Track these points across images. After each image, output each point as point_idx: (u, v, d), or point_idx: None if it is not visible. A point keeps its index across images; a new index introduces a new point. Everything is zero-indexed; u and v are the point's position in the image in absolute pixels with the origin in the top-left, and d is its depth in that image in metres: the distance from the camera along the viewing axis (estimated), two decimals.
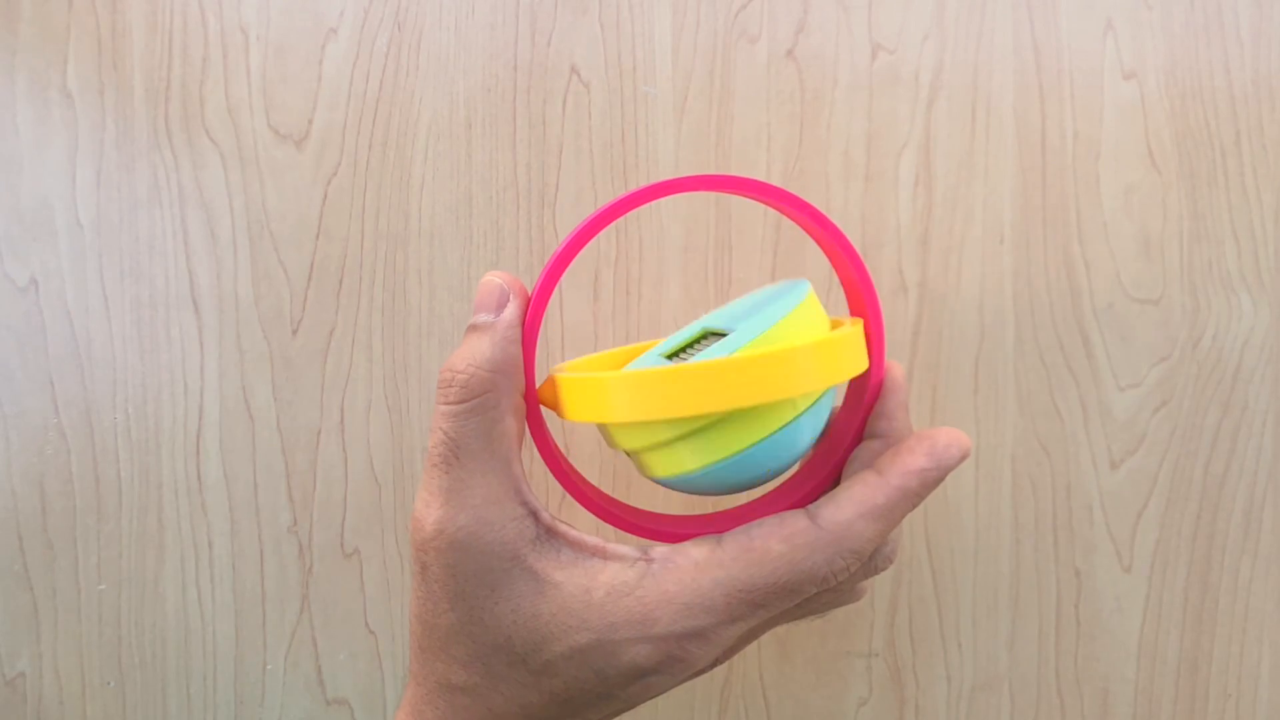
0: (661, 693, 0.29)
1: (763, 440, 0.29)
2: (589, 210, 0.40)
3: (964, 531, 0.40)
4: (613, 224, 0.30)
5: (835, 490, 0.30)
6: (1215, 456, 0.40)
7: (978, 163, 0.40)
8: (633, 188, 0.39)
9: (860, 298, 0.31)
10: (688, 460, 0.30)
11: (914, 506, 0.29)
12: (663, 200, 0.39)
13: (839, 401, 0.34)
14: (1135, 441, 0.40)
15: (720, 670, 0.41)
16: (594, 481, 0.39)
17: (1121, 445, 0.40)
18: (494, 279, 0.30)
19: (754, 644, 0.32)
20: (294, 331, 0.40)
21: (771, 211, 0.40)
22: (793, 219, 0.32)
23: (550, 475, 0.33)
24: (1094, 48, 0.40)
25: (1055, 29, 0.40)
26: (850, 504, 0.29)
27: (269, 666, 0.41)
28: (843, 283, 0.33)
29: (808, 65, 0.40)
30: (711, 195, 0.40)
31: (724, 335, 0.30)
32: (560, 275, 0.30)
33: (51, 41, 0.40)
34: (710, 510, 0.33)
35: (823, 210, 0.31)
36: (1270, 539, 0.40)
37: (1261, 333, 0.40)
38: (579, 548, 0.29)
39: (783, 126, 0.40)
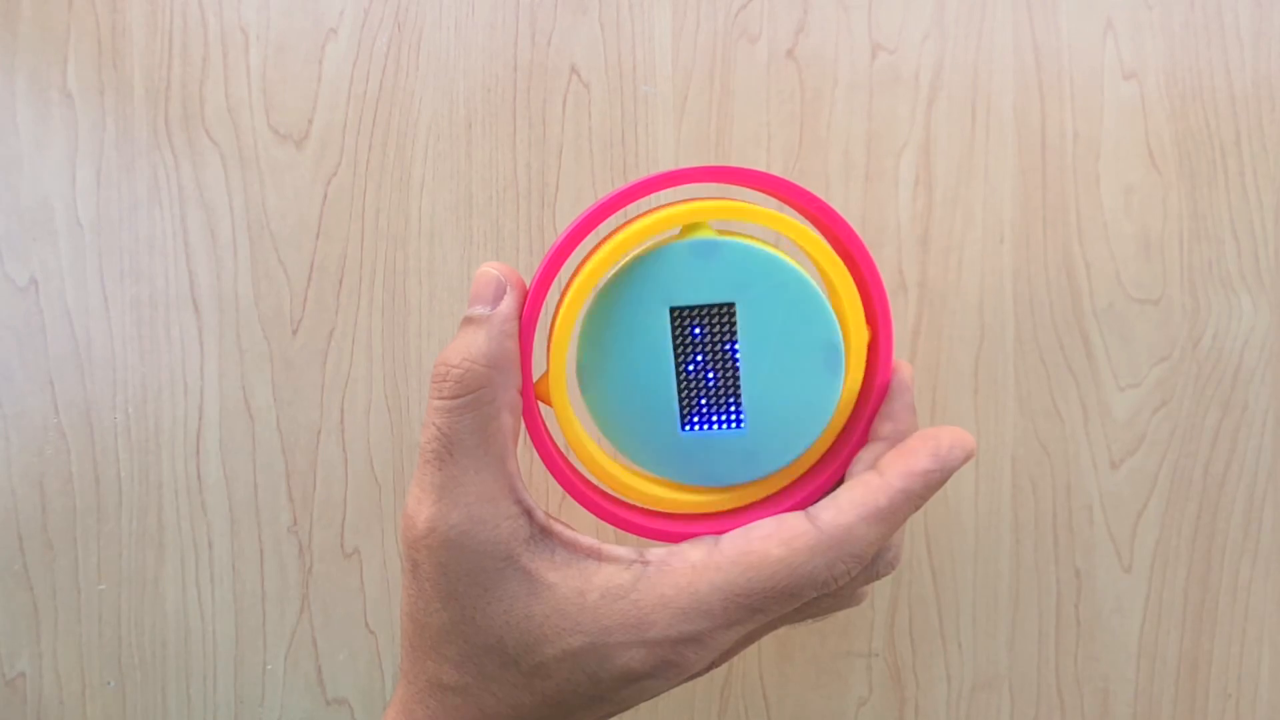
0: (655, 696, 0.29)
1: None
2: None
3: (964, 531, 0.40)
4: (609, 217, 0.30)
5: (836, 492, 0.29)
6: (1215, 456, 0.40)
7: (978, 163, 0.40)
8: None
9: (870, 297, 0.31)
10: None
11: (917, 509, 0.29)
12: (660, 194, 0.39)
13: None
14: (1135, 441, 0.40)
15: (720, 670, 0.41)
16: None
17: (1121, 445, 0.40)
18: (490, 270, 0.29)
19: (753, 643, 0.32)
20: (294, 331, 0.40)
21: (771, 207, 0.40)
22: (801, 212, 0.31)
23: (548, 473, 0.33)
24: (1094, 48, 0.40)
25: (1055, 29, 0.40)
26: (851, 506, 0.28)
27: (269, 666, 0.41)
28: (853, 279, 0.33)
29: (808, 65, 0.40)
30: (710, 192, 0.40)
31: (733, 313, 0.30)
32: (560, 267, 0.29)
33: (51, 41, 0.40)
34: (709, 509, 0.33)
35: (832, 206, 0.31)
36: (1270, 539, 0.40)
37: (1261, 333, 0.40)
38: (574, 548, 0.29)
39: (783, 126, 0.40)
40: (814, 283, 0.30)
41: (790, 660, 0.41)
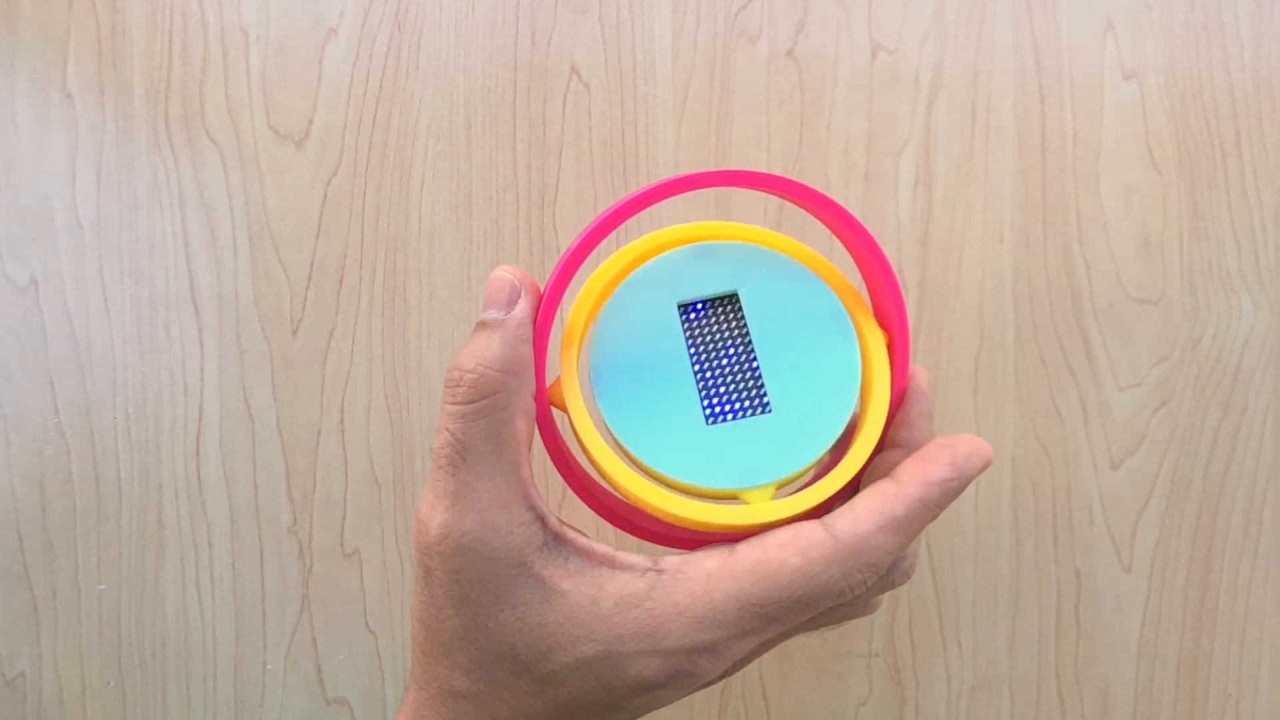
0: (668, 704, 0.29)
1: None
2: (589, 210, 0.40)
3: (964, 532, 0.40)
4: (624, 221, 0.30)
5: (853, 501, 0.29)
6: (1215, 456, 0.40)
7: (978, 163, 0.40)
8: (632, 188, 0.39)
9: (886, 301, 0.31)
10: None
11: (934, 518, 0.29)
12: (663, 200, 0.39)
13: (858, 408, 0.33)
14: (1135, 441, 0.40)
15: None
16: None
17: (1121, 445, 0.40)
18: (505, 274, 0.29)
19: (767, 651, 0.31)
20: (294, 331, 0.40)
21: (771, 209, 0.40)
22: (817, 217, 0.31)
23: (555, 477, 0.32)
24: (1094, 48, 0.40)
25: (1055, 29, 0.40)
26: (868, 516, 0.28)
27: (269, 666, 0.41)
28: (867, 285, 0.33)
29: (808, 65, 0.40)
30: (710, 193, 0.40)
31: (739, 301, 0.31)
32: (575, 271, 0.29)
33: (51, 41, 0.39)
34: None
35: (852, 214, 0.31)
36: (1270, 539, 0.40)
37: (1261, 333, 0.40)
38: (588, 555, 0.28)
39: (783, 126, 0.40)
40: (804, 266, 0.31)
41: (790, 660, 0.41)
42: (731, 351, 0.31)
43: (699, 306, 0.31)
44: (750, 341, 0.31)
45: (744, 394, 0.31)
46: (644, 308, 0.31)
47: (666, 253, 0.31)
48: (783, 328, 0.31)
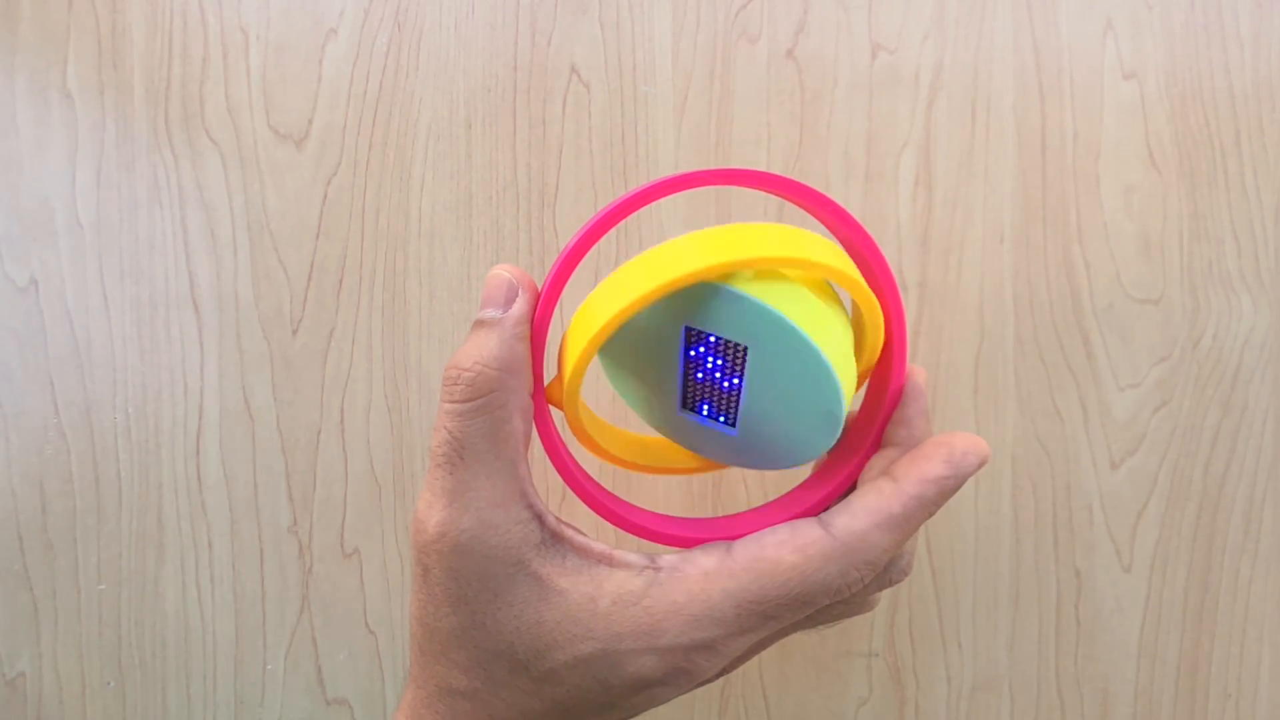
0: (666, 702, 0.29)
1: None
2: (589, 210, 0.40)
3: (964, 531, 0.40)
4: (622, 220, 0.30)
5: (850, 498, 0.29)
6: (1215, 456, 0.40)
7: (978, 163, 0.40)
8: (632, 187, 0.39)
9: (884, 301, 0.31)
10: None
11: (930, 515, 0.29)
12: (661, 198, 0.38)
13: (856, 407, 0.33)
14: (1135, 441, 0.40)
15: None
16: (600, 482, 0.38)
17: (1121, 445, 0.40)
18: (502, 273, 0.29)
19: (765, 649, 0.31)
20: (294, 331, 0.40)
21: (771, 209, 0.40)
22: (815, 216, 0.31)
23: (553, 475, 0.32)
24: (1094, 48, 0.40)
25: (1055, 29, 0.40)
26: (865, 513, 0.28)
27: (269, 666, 0.41)
28: (866, 283, 0.33)
29: (808, 65, 0.40)
30: (711, 192, 0.40)
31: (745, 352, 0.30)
32: (572, 270, 0.29)
33: (51, 41, 0.39)
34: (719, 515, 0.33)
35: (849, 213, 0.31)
36: (1270, 539, 0.40)
37: (1261, 333, 0.40)
38: (585, 554, 0.29)
39: (783, 126, 0.40)
40: (826, 359, 0.28)
41: (790, 660, 0.41)
42: (719, 379, 0.30)
43: (705, 337, 0.30)
44: (738, 383, 0.30)
45: (718, 410, 0.31)
46: (658, 311, 0.29)
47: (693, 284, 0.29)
48: (775, 394, 0.29)
